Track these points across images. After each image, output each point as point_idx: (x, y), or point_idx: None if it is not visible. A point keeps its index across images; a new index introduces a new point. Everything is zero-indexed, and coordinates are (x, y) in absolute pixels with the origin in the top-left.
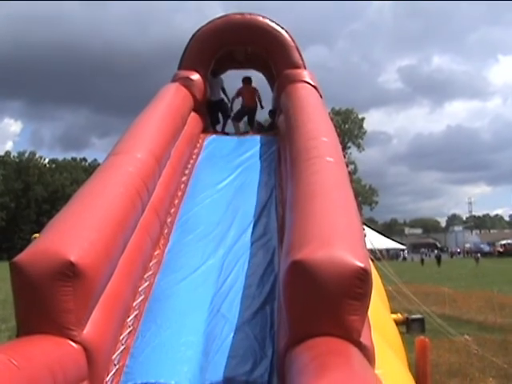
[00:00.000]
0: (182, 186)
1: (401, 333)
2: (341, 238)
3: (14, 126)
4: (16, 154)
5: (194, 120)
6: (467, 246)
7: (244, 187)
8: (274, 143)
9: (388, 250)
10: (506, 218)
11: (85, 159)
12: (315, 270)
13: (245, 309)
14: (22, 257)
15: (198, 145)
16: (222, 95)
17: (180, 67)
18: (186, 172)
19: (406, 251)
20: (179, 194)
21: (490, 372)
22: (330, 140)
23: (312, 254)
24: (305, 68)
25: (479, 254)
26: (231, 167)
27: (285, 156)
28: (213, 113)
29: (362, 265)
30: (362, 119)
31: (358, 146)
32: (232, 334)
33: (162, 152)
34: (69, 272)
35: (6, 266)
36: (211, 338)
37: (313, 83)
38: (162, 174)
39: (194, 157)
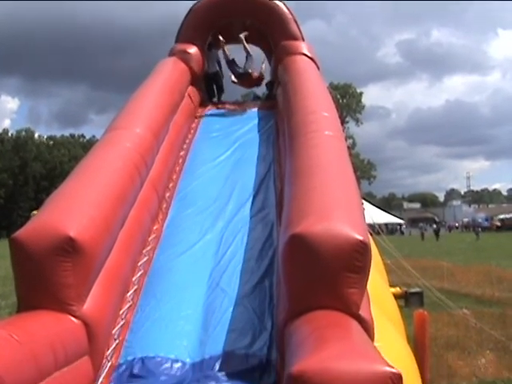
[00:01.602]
0: (181, 160)
1: (399, 306)
2: (340, 212)
3: (11, 103)
4: (14, 132)
5: (191, 94)
6: (465, 220)
7: (242, 161)
8: (272, 117)
9: (387, 225)
10: (504, 193)
11: (83, 136)
12: (314, 243)
13: (244, 282)
14: (21, 233)
15: (196, 119)
16: (217, 68)
17: (177, 40)
18: (184, 147)
19: (404, 226)
20: (177, 168)
21: (487, 345)
22: (329, 114)
23: (311, 228)
24: (303, 40)
25: (480, 229)
26: (229, 141)
27: (283, 130)
28: (209, 85)
29: (361, 238)
30: (361, 94)
31: (357, 121)
32: (231, 308)
33: (160, 127)
34: (68, 247)
35: (5, 244)
36: (210, 311)
37: (310, 55)
38: (161, 149)
39: (192, 131)
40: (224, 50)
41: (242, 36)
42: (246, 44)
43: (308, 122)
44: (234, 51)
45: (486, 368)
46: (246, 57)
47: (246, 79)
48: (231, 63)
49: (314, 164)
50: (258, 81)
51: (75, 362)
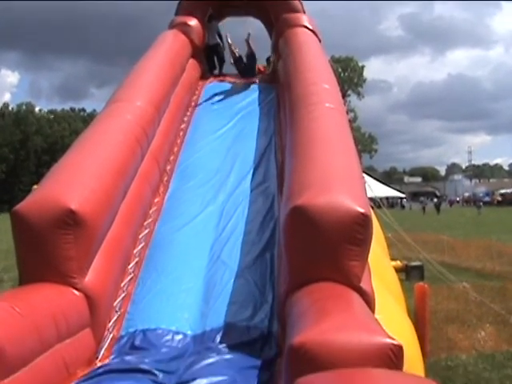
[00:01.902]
0: (181, 133)
1: (400, 280)
2: (341, 184)
3: (11, 77)
4: (14, 106)
5: (192, 66)
6: (466, 194)
7: (243, 134)
8: (273, 90)
9: (387, 199)
10: (506, 168)
11: (84, 110)
12: (315, 215)
13: (245, 255)
14: (22, 205)
15: (197, 92)
16: (218, 40)
17: (177, 13)
18: (185, 119)
19: (404, 199)
20: (178, 141)
21: (487, 318)
22: (330, 86)
23: (312, 200)
24: (304, 13)
25: (481, 203)
26: (230, 114)
27: (284, 102)
28: (210, 57)
29: (362, 210)
30: (362, 67)
31: (358, 94)
32: (232, 281)
33: (161, 99)
34: (69, 220)
35: (7, 218)
36: (211, 284)
37: (312, 28)
38: (162, 121)
39: (193, 104)
40: (232, 50)
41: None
42: (250, 44)
43: (309, 94)
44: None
45: (485, 341)
46: (248, 55)
47: (251, 74)
48: (238, 61)
49: (314, 136)
50: (261, 73)
51: (77, 334)
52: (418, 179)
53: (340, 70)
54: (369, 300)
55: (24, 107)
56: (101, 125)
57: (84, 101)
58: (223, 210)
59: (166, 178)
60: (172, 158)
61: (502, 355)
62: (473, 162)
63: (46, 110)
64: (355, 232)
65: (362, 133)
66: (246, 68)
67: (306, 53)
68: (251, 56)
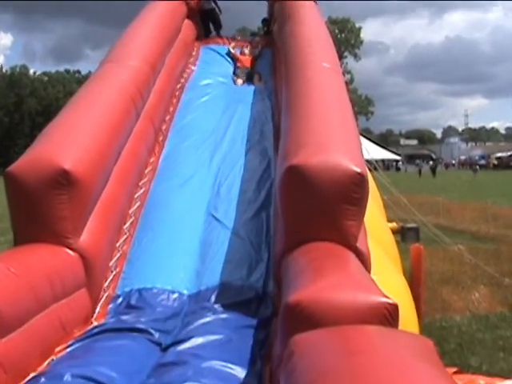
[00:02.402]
0: (177, 93)
1: (396, 242)
2: (337, 143)
3: (4, 39)
4: (8, 68)
5: (188, 27)
6: (462, 158)
7: (239, 93)
8: (269, 52)
9: (383, 161)
10: (502, 131)
11: (78, 71)
12: (311, 174)
13: (241, 214)
14: (15, 166)
15: (194, 53)
16: (213, 5)
17: None
18: (181, 80)
19: (400, 162)
20: (174, 101)
21: (481, 280)
22: (327, 47)
23: (308, 159)
24: None
25: (478, 166)
26: (227, 75)
27: (280, 64)
28: (205, 22)
29: (358, 170)
30: (359, 29)
31: (355, 56)
32: (228, 240)
33: (156, 59)
34: (63, 180)
35: (1, 181)
36: (207, 243)
37: None
38: (157, 81)
39: (189, 65)
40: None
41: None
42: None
43: (305, 54)
44: None
45: (479, 302)
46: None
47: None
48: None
49: (310, 96)
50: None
51: (73, 294)
52: (414, 142)
53: (337, 31)
54: (365, 260)
55: (18, 69)
56: (94, 85)
57: (79, 62)
58: (219, 170)
59: (161, 138)
60: (168, 117)
61: (495, 316)
62: (469, 126)
63: (40, 73)
64: (351, 191)
65: (358, 95)
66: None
67: (302, 14)
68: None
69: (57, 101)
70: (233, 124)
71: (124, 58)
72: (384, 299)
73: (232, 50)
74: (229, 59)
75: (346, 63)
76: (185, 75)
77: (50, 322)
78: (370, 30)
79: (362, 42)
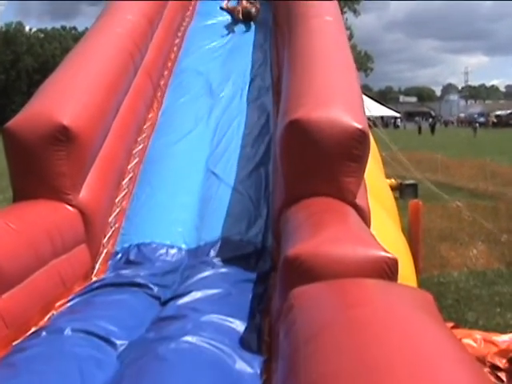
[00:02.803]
0: (175, 48)
1: (394, 198)
2: (339, 99)
3: None
4: (3, 25)
5: None
6: (461, 115)
7: (238, 48)
8: (270, 6)
9: (382, 118)
10: (502, 89)
11: (75, 28)
12: (313, 129)
13: (240, 169)
14: (13, 122)
15: (191, 7)
16: None
17: None
18: (179, 35)
19: (399, 119)
20: (172, 56)
21: (479, 237)
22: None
23: (310, 114)
24: None
25: (477, 124)
26: (225, 29)
27: (280, 17)
28: None
29: (360, 126)
30: None
31: (354, 12)
32: (227, 195)
33: (153, 13)
34: (62, 136)
35: (0, 139)
36: (206, 198)
37: None
38: (155, 36)
39: (186, 19)
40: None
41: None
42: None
43: (307, 7)
44: None
45: (477, 259)
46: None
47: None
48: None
49: (312, 51)
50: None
51: (72, 250)
52: (414, 99)
53: None
54: (364, 216)
55: (13, 27)
56: (91, 40)
57: (75, 19)
58: (218, 125)
59: (159, 93)
60: (166, 72)
61: (492, 273)
62: (469, 83)
63: (36, 30)
64: (352, 148)
65: (357, 51)
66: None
67: None
68: None
69: (53, 58)
70: (232, 78)
71: (121, 11)
72: (384, 253)
73: (224, 5)
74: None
75: (346, 19)
76: (182, 29)
77: (50, 277)
78: None
79: None
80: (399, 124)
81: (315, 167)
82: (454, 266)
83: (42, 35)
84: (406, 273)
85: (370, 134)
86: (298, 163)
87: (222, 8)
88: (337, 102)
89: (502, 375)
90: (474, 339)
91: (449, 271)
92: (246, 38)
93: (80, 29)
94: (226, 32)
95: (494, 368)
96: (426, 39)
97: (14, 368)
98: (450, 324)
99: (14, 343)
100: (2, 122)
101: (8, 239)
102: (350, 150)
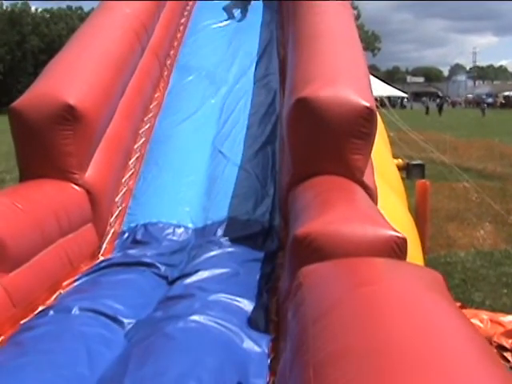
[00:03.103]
0: (181, 27)
1: (401, 178)
2: (346, 77)
3: None
4: (8, 5)
5: None
6: (469, 96)
7: (245, 27)
8: None
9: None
10: (511, 70)
11: (81, 8)
12: (320, 107)
13: (246, 148)
14: (19, 102)
15: None
16: None
17: None
18: (186, 14)
19: (405, 99)
20: (178, 35)
21: (486, 217)
22: None
23: (317, 92)
24: None
25: (485, 105)
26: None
27: None
28: None
29: (367, 104)
30: None
31: None
32: (233, 174)
33: None
34: (68, 115)
35: (6, 120)
36: (212, 178)
37: None
38: (161, 15)
39: None
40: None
41: None
42: None
43: None
44: None
45: (484, 239)
46: None
47: None
48: None
49: (319, 29)
50: None
51: (79, 229)
52: (421, 79)
53: None
54: (371, 194)
55: (19, 6)
56: (97, 20)
57: None
58: (224, 104)
59: (166, 73)
60: (172, 52)
61: (499, 253)
62: (477, 64)
63: (41, 10)
64: (359, 126)
65: (365, 31)
66: None
67: None
68: None
69: (60, 38)
70: (238, 57)
71: None
72: (393, 232)
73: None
74: None
75: None
76: (188, 8)
77: (57, 256)
78: None
79: None
80: (406, 104)
81: (322, 145)
82: (461, 247)
83: (48, 15)
84: (414, 252)
85: (377, 113)
86: (306, 141)
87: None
88: (344, 80)
89: (508, 355)
90: (480, 319)
91: (456, 251)
92: (252, 17)
93: (86, 9)
94: (233, 11)
95: (501, 348)
96: (434, 19)
97: (21, 347)
98: (457, 304)
99: (21, 322)
100: (9, 102)
101: (14, 218)
102: (357, 127)
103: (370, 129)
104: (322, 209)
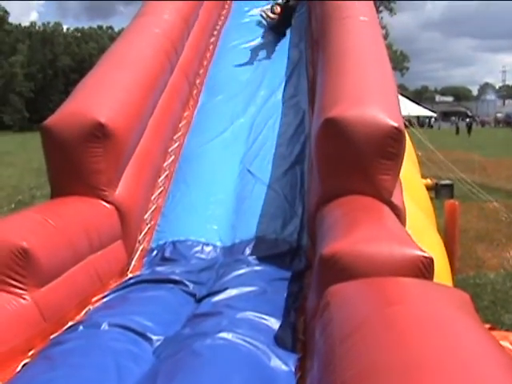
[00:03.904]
0: (211, 47)
1: (430, 198)
2: (375, 97)
3: None
4: (41, 25)
5: None
6: (499, 115)
7: (273, 48)
8: (305, 4)
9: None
10: None
11: (111, 28)
12: (348, 127)
13: (275, 168)
14: (51, 120)
15: (226, 6)
16: None
17: None
18: (215, 33)
19: (433, 119)
20: (208, 55)
21: None
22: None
23: (345, 112)
24: None
25: None
26: (260, 27)
27: (315, 16)
28: None
29: (395, 124)
30: None
31: (390, 11)
32: (262, 193)
33: (189, 12)
34: (98, 133)
35: (37, 137)
36: (241, 196)
37: None
38: (191, 34)
39: (222, 18)
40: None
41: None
42: None
43: (342, 7)
44: None
45: None
46: None
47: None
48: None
49: (347, 49)
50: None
51: (109, 246)
52: (450, 98)
53: None
54: (399, 214)
55: (51, 26)
56: (128, 39)
57: (112, 18)
58: (253, 123)
59: (195, 92)
60: (201, 71)
61: None
62: (507, 82)
63: (73, 29)
64: (387, 146)
65: (393, 50)
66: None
67: None
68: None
69: (90, 57)
70: (267, 77)
71: (157, 11)
72: (419, 252)
73: (261, 12)
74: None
75: (382, 18)
76: (217, 27)
77: (87, 272)
78: None
79: None
80: (433, 124)
81: (351, 165)
82: (491, 267)
83: (79, 34)
84: (442, 273)
85: (406, 133)
86: (334, 161)
87: (262, 16)
88: (372, 100)
89: None
90: (510, 342)
91: (485, 272)
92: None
93: (116, 28)
94: (262, 31)
95: None
96: (463, 38)
97: (51, 361)
98: (487, 326)
99: (51, 337)
100: (40, 120)
101: (47, 234)
102: (385, 147)
103: (398, 149)
104: (348, 228)
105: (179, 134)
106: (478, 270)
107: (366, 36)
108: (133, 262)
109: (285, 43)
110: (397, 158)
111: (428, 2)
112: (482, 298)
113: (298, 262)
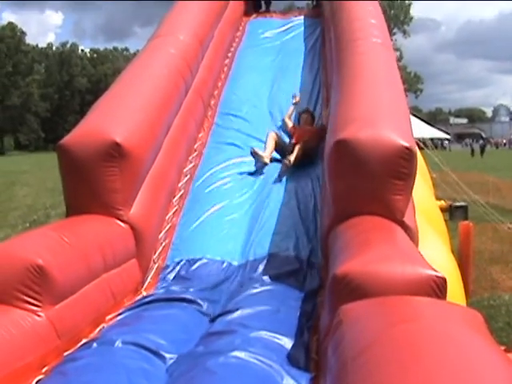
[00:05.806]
0: (225, 68)
1: (444, 220)
2: (386, 118)
3: (54, 17)
4: (58, 46)
5: (235, 2)
6: None
7: (288, 69)
8: (318, 25)
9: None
10: None
11: (126, 49)
12: (359, 148)
13: (289, 185)
14: (67, 139)
15: (241, 27)
16: None
17: None
18: (229, 55)
19: (446, 141)
20: (222, 76)
21: None
22: (377, 21)
23: (356, 133)
24: None
25: None
26: (274, 49)
27: (329, 38)
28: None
29: (406, 144)
30: (409, 5)
31: (404, 33)
32: (276, 212)
33: (204, 34)
34: (114, 152)
35: (52, 157)
36: (255, 215)
37: None
38: (205, 56)
39: (236, 40)
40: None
41: None
42: None
43: (355, 29)
44: None
45: None
46: None
47: None
48: None
49: (360, 71)
50: None
51: (123, 265)
52: (464, 120)
53: (386, 7)
54: (412, 235)
55: (68, 47)
56: (143, 60)
57: (128, 40)
58: None
59: (210, 113)
60: (216, 92)
61: None
62: None
63: (88, 50)
64: (399, 166)
65: (407, 72)
66: None
67: None
68: None
69: (105, 77)
70: (280, 98)
71: (173, 32)
72: (432, 272)
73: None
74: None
75: (396, 40)
76: (232, 49)
77: (101, 290)
78: (420, 6)
79: (411, 19)
80: (446, 146)
81: (363, 186)
82: (505, 289)
83: (95, 55)
84: (455, 294)
85: (420, 154)
86: (346, 182)
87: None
88: (383, 120)
89: None
90: None
91: (499, 294)
92: (295, 59)
93: (132, 50)
94: (277, 49)
95: None
96: (477, 59)
97: (65, 377)
98: (502, 348)
99: (65, 353)
100: (55, 140)
101: (62, 252)
102: (397, 168)
103: (410, 169)
104: (361, 248)
105: (194, 154)
106: (492, 292)
107: (378, 58)
108: (147, 280)
109: (298, 64)
110: (408, 178)
111: (442, 23)
112: (496, 319)
113: (311, 281)
